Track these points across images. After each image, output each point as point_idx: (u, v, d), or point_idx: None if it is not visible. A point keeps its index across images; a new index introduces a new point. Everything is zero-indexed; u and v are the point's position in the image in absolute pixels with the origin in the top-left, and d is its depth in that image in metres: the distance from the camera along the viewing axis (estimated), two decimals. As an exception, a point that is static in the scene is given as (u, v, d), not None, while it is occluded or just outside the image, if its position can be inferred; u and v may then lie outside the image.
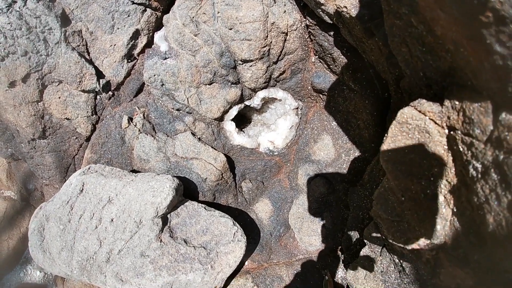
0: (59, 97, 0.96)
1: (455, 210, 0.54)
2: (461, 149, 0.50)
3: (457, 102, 0.49)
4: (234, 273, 1.09)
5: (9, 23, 0.93)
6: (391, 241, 0.72)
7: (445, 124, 0.53)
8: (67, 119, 1.01)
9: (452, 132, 0.51)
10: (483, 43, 0.37)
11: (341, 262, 1.12)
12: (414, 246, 0.65)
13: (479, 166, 0.47)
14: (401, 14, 0.55)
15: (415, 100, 0.57)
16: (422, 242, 0.63)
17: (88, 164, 1.07)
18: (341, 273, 1.11)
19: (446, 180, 0.55)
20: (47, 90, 0.98)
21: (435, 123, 0.54)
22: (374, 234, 0.89)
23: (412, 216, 0.65)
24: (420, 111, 0.55)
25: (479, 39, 0.37)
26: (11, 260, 1.41)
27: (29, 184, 1.39)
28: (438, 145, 0.54)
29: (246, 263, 1.09)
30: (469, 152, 0.48)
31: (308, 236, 0.97)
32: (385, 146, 0.64)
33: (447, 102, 0.51)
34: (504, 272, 0.46)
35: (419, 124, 0.56)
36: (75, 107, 0.98)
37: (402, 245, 0.68)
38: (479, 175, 0.47)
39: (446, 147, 0.53)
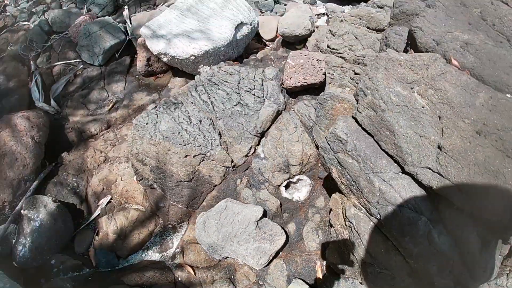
0: (209, 167, 2.18)
1: None
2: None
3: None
4: (274, 258, 2.24)
5: (194, 130, 2.15)
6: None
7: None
8: (209, 176, 2.22)
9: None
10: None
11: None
12: None
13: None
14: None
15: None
16: None
17: (212, 198, 2.26)
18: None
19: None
20: (204, 162, 2.20)
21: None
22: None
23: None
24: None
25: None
26: (136, 246, 2.31)
27: (159, 204, 2.52)
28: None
29: (280, 253, 2.25)
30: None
31: (311, 242, 2.12)
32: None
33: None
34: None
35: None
36: (215, 172, 2.19)
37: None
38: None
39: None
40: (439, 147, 1.19)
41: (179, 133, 1.85)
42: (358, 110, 1.34)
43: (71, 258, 2.31)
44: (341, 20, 2.66)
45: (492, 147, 1.15)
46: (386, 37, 1.74)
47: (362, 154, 1.27)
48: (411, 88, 1.26)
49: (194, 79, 2.10)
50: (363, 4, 3.14)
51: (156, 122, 1.90)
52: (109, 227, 2.27)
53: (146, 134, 1.94)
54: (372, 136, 1.31)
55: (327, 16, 3.41)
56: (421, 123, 1.22)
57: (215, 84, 2.00)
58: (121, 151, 2.48)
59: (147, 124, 1.93)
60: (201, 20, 2.60)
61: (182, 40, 2.45)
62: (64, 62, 3.23)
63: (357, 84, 2.03)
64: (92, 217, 2.44)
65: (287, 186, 2.02)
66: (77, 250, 2.40)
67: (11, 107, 3.03)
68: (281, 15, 3.25)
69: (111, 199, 2.45)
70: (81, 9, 3.65)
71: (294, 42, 2.88)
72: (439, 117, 1.22)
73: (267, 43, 3.04)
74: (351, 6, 3.55)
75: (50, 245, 2.30)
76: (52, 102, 3.01)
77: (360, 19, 2.58)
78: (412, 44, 1.54)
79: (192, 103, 1.93)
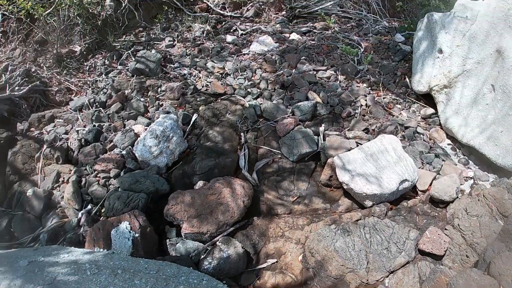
0: (352, 277, 4.37)
1: None
2: None
3: None
4: None
5: (354, 254, 4.36)
6: None
7: None
8: (349, 282, 4.42)
9: None
10: None
11: None
12: None
13: None
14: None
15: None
16: None
17: None
18: None
19: None
20: (350, 273, 4.40)
21: None
22: None
23: None
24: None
25: None
26: None
27: (308, 281, 4.84)
28: None
29: None
30: None
31: None
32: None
33: None
34: None
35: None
36: (354, 281, 4.38)
37: None
38: None
39: None
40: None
41: (345, 252, 4.12)
42: (448, 291, 3.46)
43: (237, 286, 4.68)
44: (478, 200, 4.69)
45: None
46: (485, 249, 3.80)
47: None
48: (475, 293, 3.34)
49: (363, 219, 4.41)
50: (504, 179, 5.09)
51: (333, 239, 4.22)
52: (269, 279, 4.53)
53: (324, 241, 4.26)
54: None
55: (474, 181, 5.42)
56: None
57: (377, 230, 4.25)
58: (295, 235, 4.85)
59: (327, 236, 4.27)
60: (378, 167, 4.90)
61: (362, 180, 4.77)
62: (268, 148, 5.84)
63: (463, 264, 4.08)
64: (259, 267, 4.73)
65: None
66: (242, 282, 4.66)
67: (224, 166, 5.65)
68: (437, 171, 5.37)
69: (276, 261, 4.81)
70: (287, 107, 6.28)
71: (438, 202, 4.98)
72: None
73: (419, 192, 5.20)
74: (496, 175, 5.47)
75: (228, 271, 4.46)
76: (254, 174, 5.59)
77: (494, 199, 4.59)
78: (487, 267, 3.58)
79: (358, 236, 4.20)
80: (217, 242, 4.61)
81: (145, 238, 4.48)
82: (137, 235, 4.36)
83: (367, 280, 4.07)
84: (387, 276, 4.06)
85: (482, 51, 5.53)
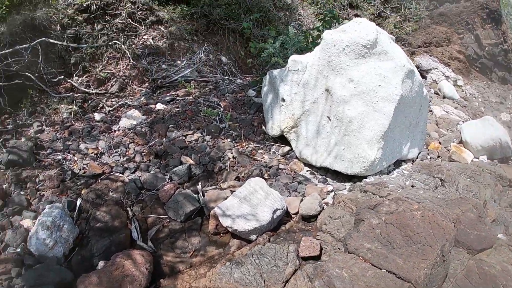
0: None
1: None
2: None
3: None
4: None
5: (251, 278, 5.40)
6: None
7: None
8: None
9: None
10: None
11: None
12: None
13: None
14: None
15: None
16: None
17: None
18: None
19: None
20: None
21: None
22: None
23: None
24: None
25: None
26: None
27: None
28: None
29: None
30: None
31: None
32: None
33: None
34: None
35: None
36: None
37: None
38: None
39: None
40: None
41: (243, 279, 5.12)
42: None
43: None
44: (339, 205, 6.14)
45: None
46: (345, 237, 5.15)
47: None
48: (343, 267, 4.62)
49: (250, 250, 5.52)
50: (357, 183, 6.67)
51: (231, 273, 5.23)
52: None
53: (224, 278, 5.23)
54: None
55: (334, 192, 6.94)
56: None
57: (262, 254, 5.36)
58: (200, 283, 5.70)
59: (225, 273, 5.26)
60: (252, 206, 6.09)
61: (241, 220, 5.89)
62: (156, 215, 6.74)
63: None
64: (181, 321, 5.56)
65: (295, 312, 5.20)
66: None
67: (119, 242, 6.29)
68: (302, 194, 6.77)
69: (194, 310, 5.63)
70: (165, 174, 7.28)
71: (309, 218, 6.32)
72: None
73: (292, 215, 6.51)
74: (351, 182, 7.10)
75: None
76: (149, 242, 6.39)
77: (351, 201, 6.05)
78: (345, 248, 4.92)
79: (250, 264, 5.23)
80: (141, 310, 5.22)
81: (68, 328, 4.91)
82: (59, 326, 4.78)
83: (270, 297, 5.11)
84: (284, 286, 5.15)
85: (315, 93, 7.26)
